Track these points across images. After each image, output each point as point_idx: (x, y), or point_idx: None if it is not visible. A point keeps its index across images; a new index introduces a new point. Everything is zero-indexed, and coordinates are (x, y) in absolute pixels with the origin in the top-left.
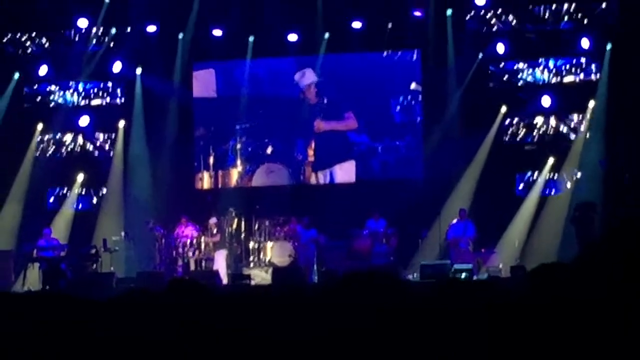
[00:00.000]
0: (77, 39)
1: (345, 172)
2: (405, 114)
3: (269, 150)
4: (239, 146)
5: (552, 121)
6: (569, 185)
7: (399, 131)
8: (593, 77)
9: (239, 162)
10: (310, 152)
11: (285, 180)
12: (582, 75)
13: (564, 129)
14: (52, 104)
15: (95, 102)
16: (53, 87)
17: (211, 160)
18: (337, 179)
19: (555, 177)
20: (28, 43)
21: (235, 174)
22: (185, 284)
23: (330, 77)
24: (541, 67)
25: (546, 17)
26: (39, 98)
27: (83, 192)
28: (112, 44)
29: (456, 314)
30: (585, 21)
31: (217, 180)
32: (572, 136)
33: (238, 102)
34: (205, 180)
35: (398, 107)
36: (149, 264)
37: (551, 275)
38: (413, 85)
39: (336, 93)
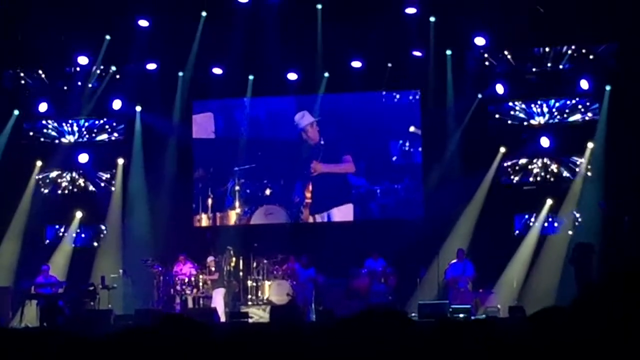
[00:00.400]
0: (77, 76)
1: (343, 215)
2: (404, 157)
3: (268, 192)
4: (237, 188)
5: (551, 162)
6: (567, 226)
7: (398, 174)
8: (592, 118)
9: (237, 203)
10: (308, 195)
11: (283, 222)
12: (581, 117)
13: (562, 169)
14: (51, 141)
15: (95, 139)
16: (52, 124)
17: (209, 202)
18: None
19: (554, 218)
20: (28, 80)
21: (233, 215)
22: (178, 320)
23: (329, 118)
24: (540, 108)
25: (546, 58)
26: (38, 135)
27: (81, 229)
28: (112, 82)
29: (454, 353)
30: (585, 63)
31: (215, 222)
32: (571, 177)
33: (237, 143)
34: (204, 222)
35: (397, 150)
36: (147, 301)
37: (550, 318)
38: (412, 129)
39: (335, 134)
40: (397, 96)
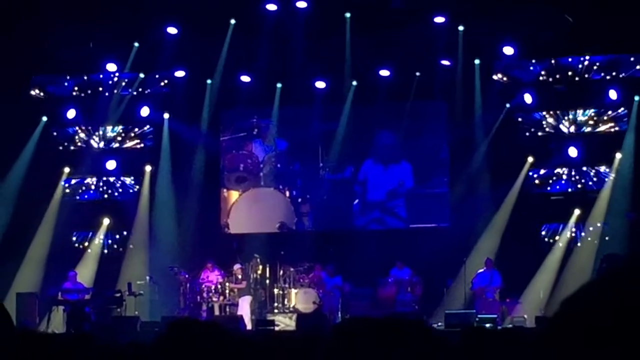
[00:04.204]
0: (105, 83)
1: None
2: (434, 160)
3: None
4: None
5: (579, 172)
6: (595, 236)
7: (428, 176)
8: (620, 128)
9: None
10: None
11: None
12: (609, 127)
13: (590, 180)
14: (79, 148)
15: (123, 146)
16: (81, 131)
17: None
18: None
19: (582, 228)
20: (57, 87)
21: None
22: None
23: (358, 123)
24: (568, 118)
25: (574, 68)
26: (66, 142)
27: (109, 236)
28: (140, 89)
29: None
30: (613, 73)
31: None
32: (599, 187)
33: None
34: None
35: (427, 153)
36: (173, 308)
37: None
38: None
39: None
40: (427, 103)
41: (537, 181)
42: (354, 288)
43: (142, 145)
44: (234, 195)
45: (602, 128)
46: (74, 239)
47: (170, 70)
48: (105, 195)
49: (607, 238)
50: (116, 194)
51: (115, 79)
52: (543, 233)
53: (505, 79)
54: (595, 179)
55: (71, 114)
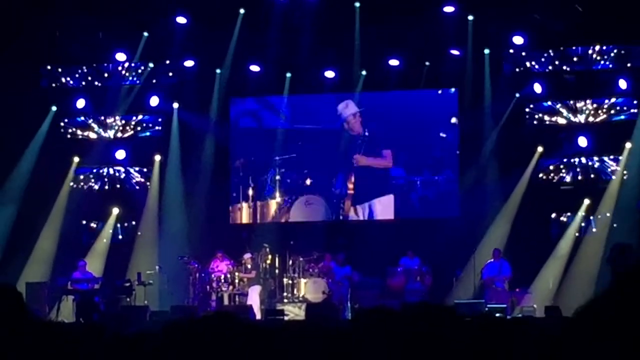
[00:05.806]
0: (115, 72)
1: (384, 207)
2: (444, 149)
3: (308, 181)
4: (278, 177)
5: (589, 162)
6: (604, 226)
7: (438, 165)
8: (630, 118)
9: (277, 193)
10: (350, 186)
11: (323, 213)
12: (619, 116)
13: (600, 170)
14: (88, 137)
15: (132, 135)
16: (90, 121)
17: (250, 191)
18: (377, 213)
19: (591, 218)
20: (66, 76)
21: (273, 205)
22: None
23: (370, 111)
24: (578, 108)
25: (584, 57)
26: (76, 131)
27: (118, 225)
28: (149, 79)
29: (492, 351)
30: (623, 62)
31: (256, 211)
32: (609, 177)
33: (277, 133)
34: (244, 211)
35: (437, 142)
36: (182, 298)
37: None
38: (453, 120)
39: (376, 126)
40: (436, 92)
41: (546, 171)
42: (363, 277)
43: (151, 134)
44: None
45: (612, 118)
46: (84, 228)
47: (180, 60)
48: (115, 185)
49: (616, 228)
50: (125, 183)
51: (125, 69)
52: (552, 223)
53: (515, 68)
54: (605, 169)
55: (81, 103)
